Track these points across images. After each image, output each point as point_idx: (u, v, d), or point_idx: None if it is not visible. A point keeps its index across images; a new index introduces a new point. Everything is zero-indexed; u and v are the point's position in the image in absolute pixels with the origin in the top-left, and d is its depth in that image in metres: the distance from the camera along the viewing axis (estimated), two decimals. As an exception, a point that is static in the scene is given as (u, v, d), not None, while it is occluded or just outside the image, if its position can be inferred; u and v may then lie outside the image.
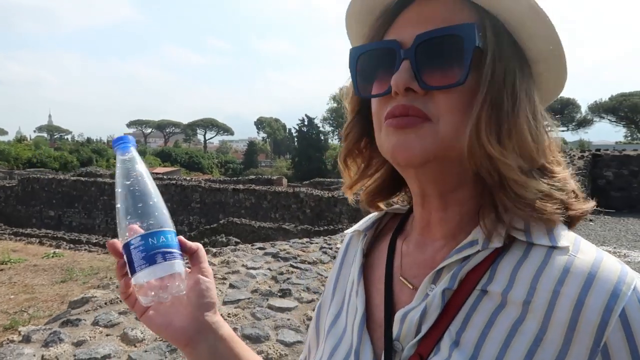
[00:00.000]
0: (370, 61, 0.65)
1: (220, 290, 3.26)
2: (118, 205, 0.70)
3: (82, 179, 22.99)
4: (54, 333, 3.23)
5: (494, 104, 0.58)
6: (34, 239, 14.60)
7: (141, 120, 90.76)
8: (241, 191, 18.68)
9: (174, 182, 21.15)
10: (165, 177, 27.01)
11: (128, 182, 0.70)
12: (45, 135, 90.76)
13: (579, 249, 0.58)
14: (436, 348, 0.58)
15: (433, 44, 0.58)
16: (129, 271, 0.68)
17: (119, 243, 0.69)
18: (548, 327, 0.54)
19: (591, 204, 0.64)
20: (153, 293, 0.67)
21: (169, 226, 0.70)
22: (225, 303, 3.16)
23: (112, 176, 26.03)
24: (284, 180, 25.83)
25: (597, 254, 0.58)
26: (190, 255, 0.73)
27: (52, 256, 10.69)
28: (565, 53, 0.62)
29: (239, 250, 4.34)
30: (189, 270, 0.73)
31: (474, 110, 0.58)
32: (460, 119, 0.58)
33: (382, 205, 0.77)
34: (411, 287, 0.66)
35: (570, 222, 0.63)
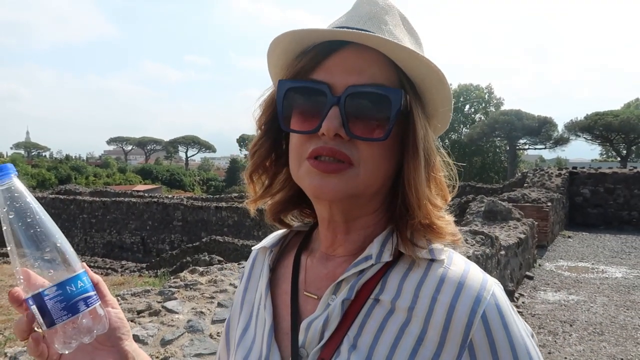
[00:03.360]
0: (299, 97, 0.69)
1: (209, 310, 3.26)
2: (17, 248, 0.62)
3: (60, 196, 22.58)
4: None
5: (420, 159, 0.68)
6: (11, 258, 14.21)
7: (122, 137, 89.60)
8: (224, 209, 18.57)
9: (155, 200, 20.93)
10: (146, 194, 26.69)
11: (27, 220, 0.63)
12: (22, 152, 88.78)
13: (452, 261, 0.70)
14: (337, 352, 0.67)
15: (363, 98, 0.66)
16: (43, 324, 0.63)
17: (22, 293, 0.63)
18: (428, 328, 0.65)
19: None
20: (75, 340, 0.64)
21: (80, 267, 0.66)
22: (214, 322, 3.17)
23: (92, 194, 25.66)
24: (267, 198, 25.63)
25: (465, 265, 0.70)
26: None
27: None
28: (451, 112, 0.74)
29: (225, 269, 4.34)
30: None
31: (411, 172, 0.68)
32: (379, 165, 0.68)
33: (285, 219, 0.84)
34: (315, 297, 0.74)
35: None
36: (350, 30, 0.66)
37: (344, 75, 0.66)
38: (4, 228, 0.63)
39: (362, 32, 0.65)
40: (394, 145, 0.69)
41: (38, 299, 0.62)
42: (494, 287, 0.67)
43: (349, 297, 0.69)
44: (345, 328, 0.68)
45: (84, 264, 0.68)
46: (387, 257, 0.70)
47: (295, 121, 0.70)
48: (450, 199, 0.73)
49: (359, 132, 0.66)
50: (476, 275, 0.68)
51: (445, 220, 0.71)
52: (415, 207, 0.68)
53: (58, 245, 0.65)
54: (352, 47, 0.67)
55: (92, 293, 0.66)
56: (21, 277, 0.62)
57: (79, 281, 0.65)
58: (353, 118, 0.66)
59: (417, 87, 0.70)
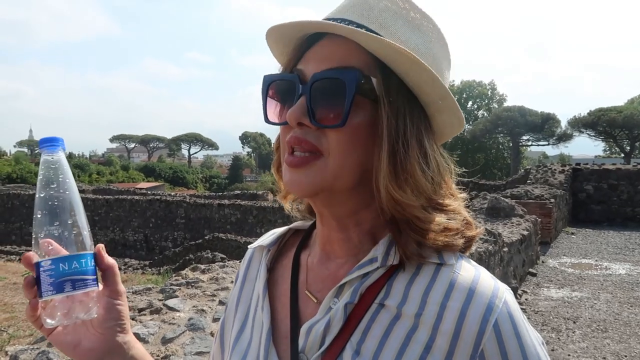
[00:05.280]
0: (277, 90, 0.69)
1: (210, 307, 3.26)
2: (37, 215, 0.65)
3: (64, 194, 22.57)
4: (42, 353, 3.18)
5: (390, 154, 0.63)
6: (14, 256, 14.31)
7: (124, 135, 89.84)
8: (226, 206, 18.58)
9: (158, 197, 20.96)
10: (149, 192, 26.72)
11: (50, 190, 0.65)
12: (26, 150, 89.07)
13: (462, 266, 0.66)
14: (339, 358, 0.64)
15: (323, 84, 0.63)
16: (37, 291, 0.64)
17: (34, 256, 0.65)
18: (437, 335, 0.62)
19: (479, 230, 0.71)
20: (60, 316, 0.64)
21: (86, 248, 0.66)
22: (215, 320, 3.16)
23: (95, 192, 25.71)
24: (270, 195, 25.74)
25: (476, 271, 0.66)
26: (103, 272, 0.69)
27: (34, 274, 10.46)
28: (453, 102, 0.66)
29: (227, 266, 4.33)
30: (100, 289, 0.69)
31: (375, 160, 0.64)
32: (347, 154, 0.64)
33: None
34: (315, 300, 0.71)
35: (464, 247, 0.69)
36: (310, 21, 0.65)
37: (316, 64, 0.65)
38: (38, 197, 0.65)
39: (325, 22, 0.63)
40: (366, 133, 0.64)
41: (37, 267, 0.64)
42: (506, 294, 0.64)
43: (352, 300, 0.66)
44: (348, 333, 0.65)
45: (101, 246, 0.69)
46: (393, 260, 0.66)
47: (273, 113, 0.69)
48: (442, 199, 0.68)
49: (322, 119, 0.63)
50: (487, 281, 0.65)
51: (430, 219, 0.65)
52: (378, 195, 0.65)
53: (69, 222, 0.66)
54: (330, 37, 0.66)
55: (86, 277, 0.65)
56: (42, 249, 0.64)
57: (75, 262, 0.64)
58: (318, 106, 0.63)
59: (399, 73, 0.64)
